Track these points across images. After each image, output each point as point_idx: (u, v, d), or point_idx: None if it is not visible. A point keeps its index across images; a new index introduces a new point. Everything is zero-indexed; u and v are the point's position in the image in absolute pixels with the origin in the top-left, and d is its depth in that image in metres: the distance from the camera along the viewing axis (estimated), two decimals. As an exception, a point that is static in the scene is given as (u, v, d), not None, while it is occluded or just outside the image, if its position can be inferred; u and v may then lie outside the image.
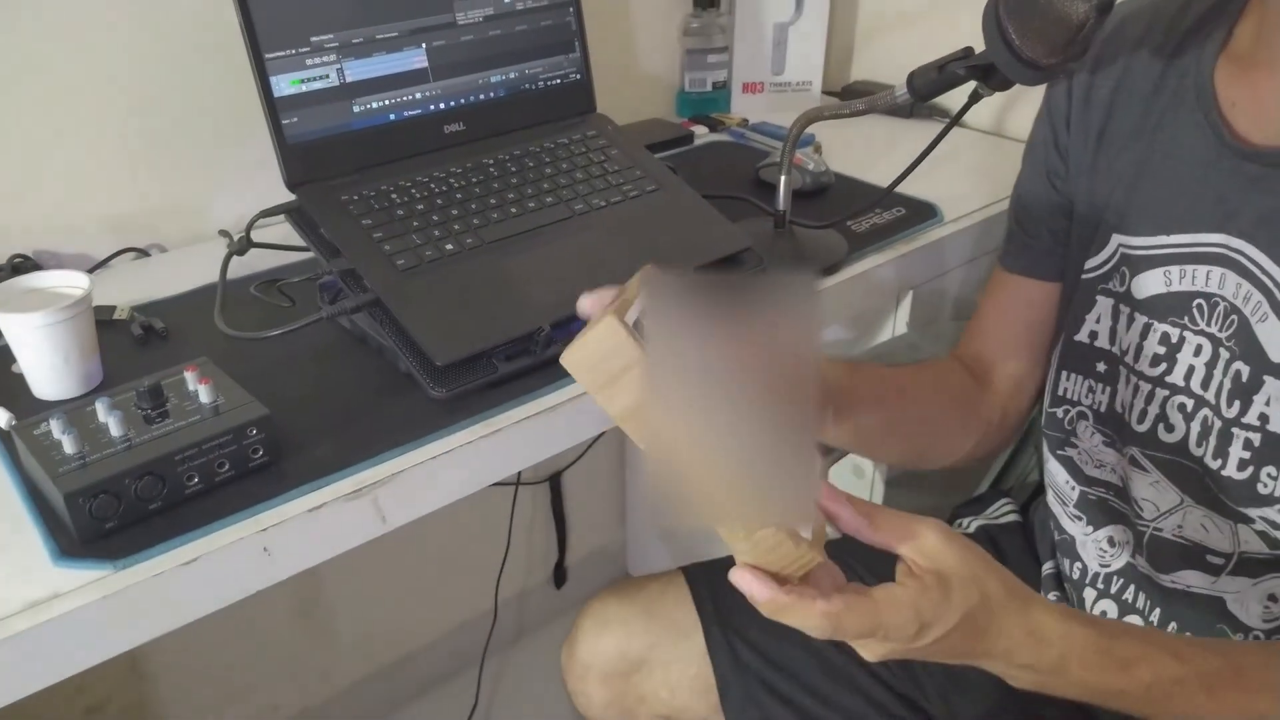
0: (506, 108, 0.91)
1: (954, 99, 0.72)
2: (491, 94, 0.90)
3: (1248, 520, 0.64)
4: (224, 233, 0.93)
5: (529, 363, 0.73)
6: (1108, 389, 0.71)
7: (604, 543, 1.64)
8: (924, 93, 0.67)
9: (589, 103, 0.96)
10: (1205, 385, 0.64)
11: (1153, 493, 0.69)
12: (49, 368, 0.70)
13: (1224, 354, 0.63)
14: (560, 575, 1.56)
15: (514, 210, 0.83)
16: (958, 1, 1.20)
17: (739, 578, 0.48)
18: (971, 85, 0.68)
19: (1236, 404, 0.62)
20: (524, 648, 1.55)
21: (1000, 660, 0.52)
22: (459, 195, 0.83)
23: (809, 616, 0.48)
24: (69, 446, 0.59)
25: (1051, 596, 0.80)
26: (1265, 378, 0.60)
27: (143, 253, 0.95)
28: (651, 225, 0.86)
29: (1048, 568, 0.82)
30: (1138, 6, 0.70)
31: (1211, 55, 0.63)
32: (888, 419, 0.72)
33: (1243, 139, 0.61)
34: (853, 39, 1.37)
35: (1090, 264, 0.70)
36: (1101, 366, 0.71)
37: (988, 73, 0.64)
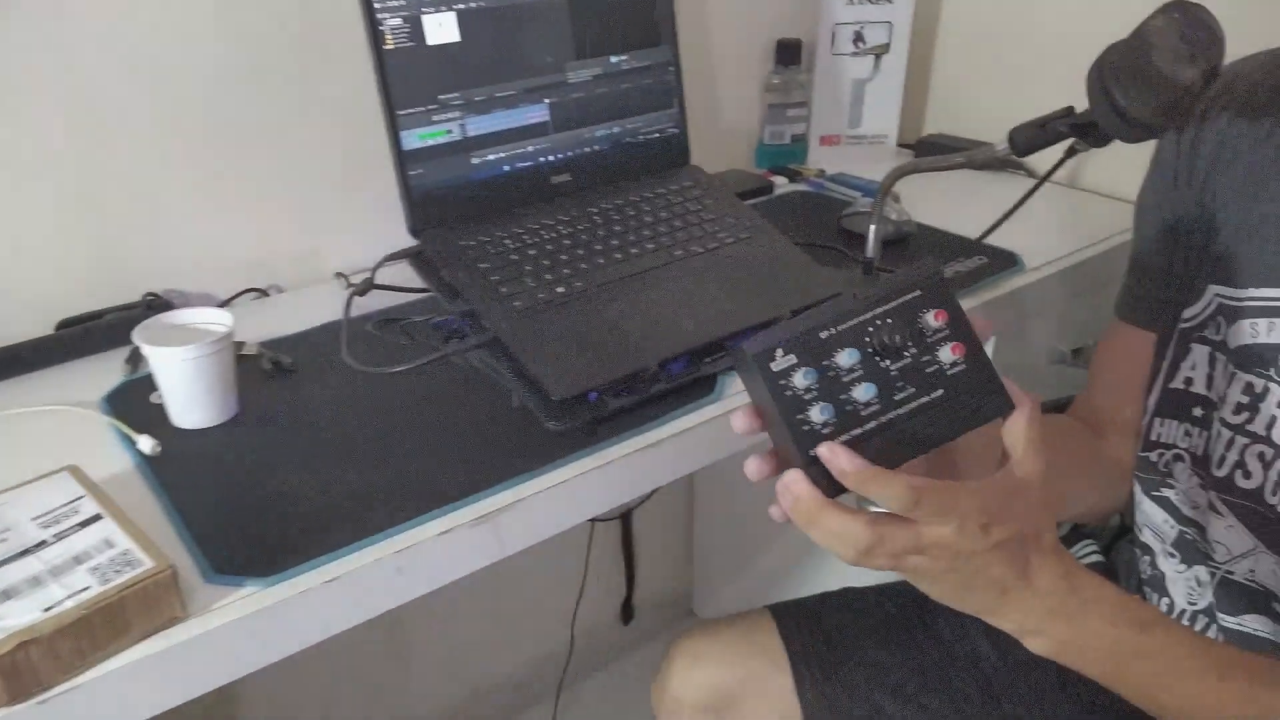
0: (609, 160, 0.96)
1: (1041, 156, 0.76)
2: (596, 147, 0.95)
3: None
4: (340, 275, 0.99)
5: (636, 399, 0.77)
6: (1204, 433, 0.73)
7: (671, 583, 1.66)
8: (1024, 148, 0.71)
9: (684, 155, 1.01)
10: None
11: (1227, 536, 0.71)
12: (192, 398, 0.75)
13: None
14: (628, 612, 1.58)
15: (618, 256, 0.87)
16: (1024, 64, 1.25)
17: (829, 450, 0.49)
18: (1067, 142, 0.71)
19: None
20: (592, 682, 1.57)
21: (1026, 608, 0.52)
22: (567, 242, 0.88)
23: (893, 486, 0.48)
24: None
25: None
26: None
27: (263, 293, 1.01)
28: (747, 270, 0.90)
29: None
30: (1248, 67, 0.72)
31: None
32: None
33: None
34: (927, 94, 1.41)
35: (1188, 313, 0.72)
36: (1198, 411, 0.73)
37: (1087, 130, 0.67)
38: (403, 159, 0.84)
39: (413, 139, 0.85)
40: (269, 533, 0.64)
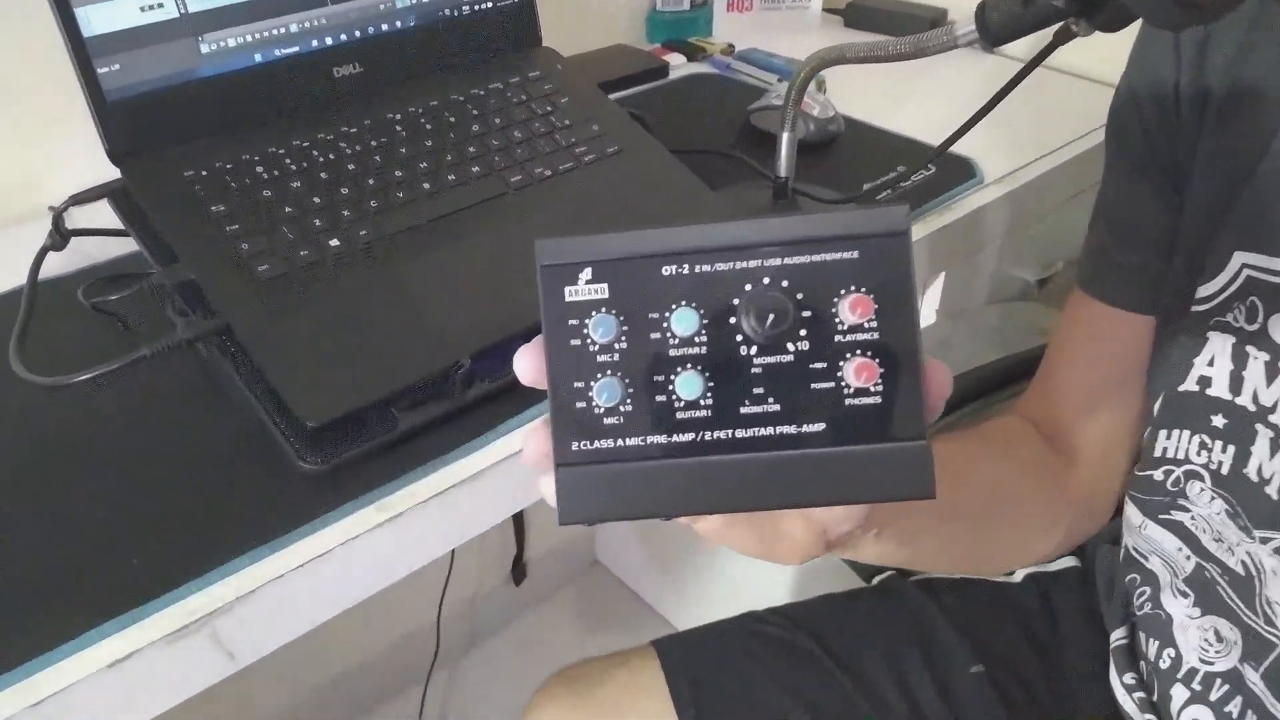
0: (419, 43, 0.68)
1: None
2: (398, 24, 0.67)
3: None
4: (55, 209, 0.70)
5: (441, 412, 0.53)
6: (1231, 448, 0.52)
7: (569, 533, 1.46)
8: (1002, 35, 0.46)
9: (531, 34, 0.74)
10: None
11: None
12: None
13: None
14: (520, 572, 1.38)
15: (427, 186, 0.62)
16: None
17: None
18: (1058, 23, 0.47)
19: None
20: (480, 653, 1.39)
21: None
22: (351, 167, 0.61)
23: None
24: None
25: (1127, 679, 0.63)
26: None
27: (-51, 237, 0.73)
28: (610, 202, 0.65)
29: (1118, 637, 0.65)
30: None
31: None
32: (941, 522, 0.52)
33: None
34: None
35: (1203, 291, 0.50)
36: (1219, 421, 0.52)
37: (1095, 7, 0.43)
38: (84, 49, 0.56)
39: (98, 19, 0.56)
40: None
